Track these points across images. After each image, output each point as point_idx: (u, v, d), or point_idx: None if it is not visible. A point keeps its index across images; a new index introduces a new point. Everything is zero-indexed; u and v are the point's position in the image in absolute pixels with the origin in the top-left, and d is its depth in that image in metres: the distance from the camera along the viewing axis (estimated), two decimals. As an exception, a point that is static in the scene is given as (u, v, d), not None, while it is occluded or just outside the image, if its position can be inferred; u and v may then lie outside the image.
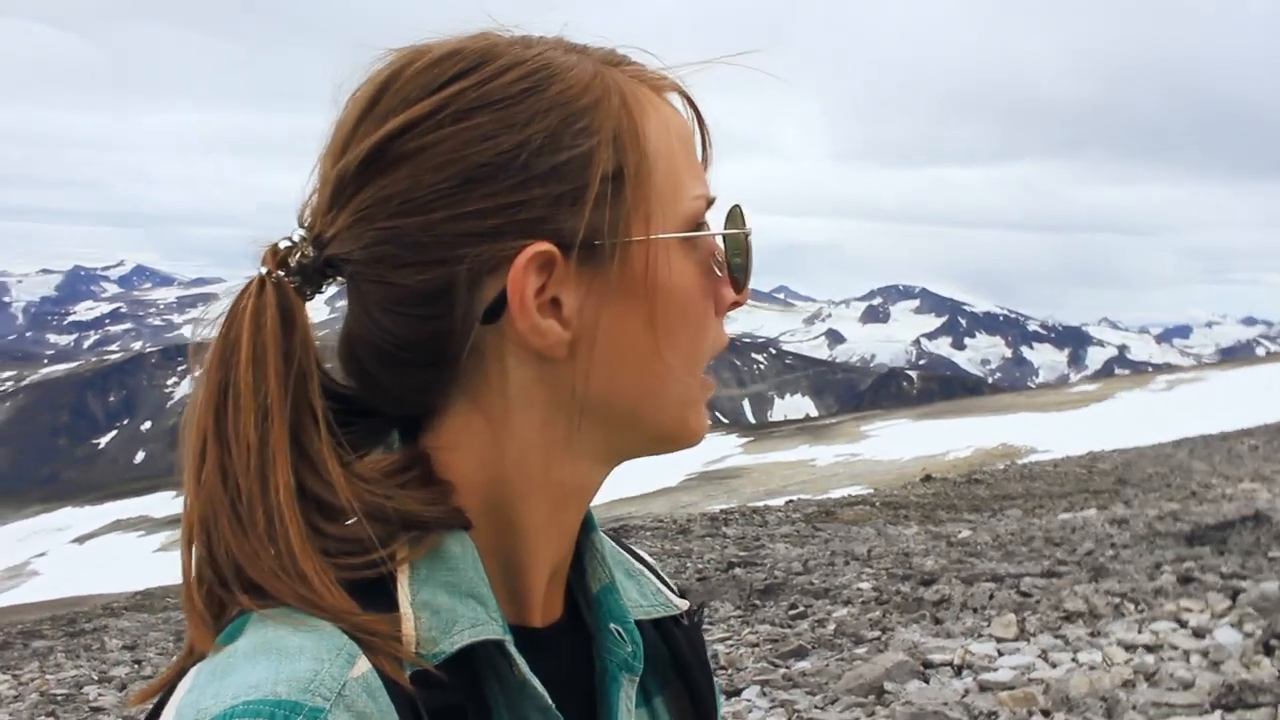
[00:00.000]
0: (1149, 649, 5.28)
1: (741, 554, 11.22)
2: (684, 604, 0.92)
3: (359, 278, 0.77)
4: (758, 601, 8.62)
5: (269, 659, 0.64)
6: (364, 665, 0.66)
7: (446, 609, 0.72)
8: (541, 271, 0.74)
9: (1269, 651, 4.88)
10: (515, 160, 0.73)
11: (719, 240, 0.82)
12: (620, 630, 0.85)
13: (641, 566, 0.93)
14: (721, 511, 17.66)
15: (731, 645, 6.82)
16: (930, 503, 15.73)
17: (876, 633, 6.62)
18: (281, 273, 0.77)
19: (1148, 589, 6.83)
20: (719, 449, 55.29)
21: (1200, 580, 6.86)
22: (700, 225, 0.80)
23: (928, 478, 22.28)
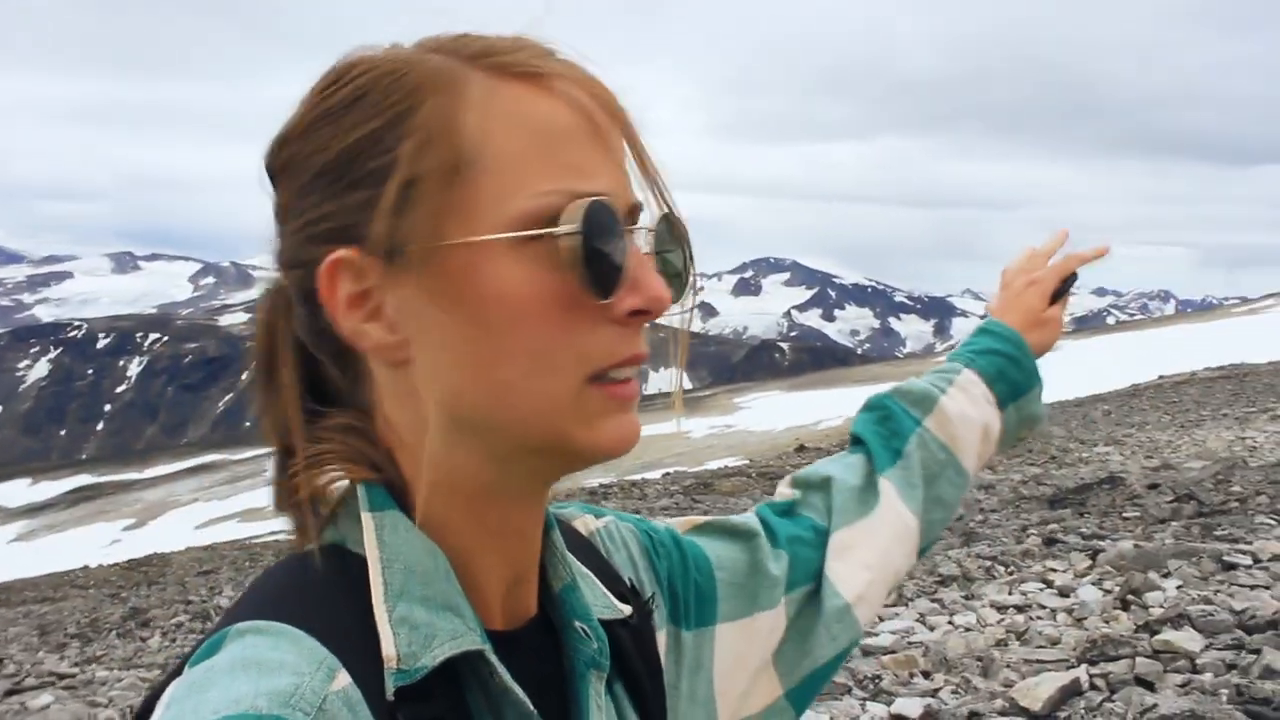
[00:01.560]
0: (1019, 609, 5.51)
1: (623, 528, 11.28)
2: (626, 609, 0.92)
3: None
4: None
5: (249, 673, 0.64)
6: (344, 679, 0.67)
7: (425, 623, 0.72)
8: (357, 277, 0.75)
9: (1125, 607, 5.14)
10: (336, 168, 0.76)
11: (576, 239, 0.74)
12: (585, 628, 0.86)
13: (587, 569, 0.93)
14: (600, 485, 17.75)
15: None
16: (805, 472, 16.04)
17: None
18: None
19: (1016, 552, 7.12)
20: (596, 424, 55.17)
21: (1063, 541, 7.19)
22: (549, 224, 0.73)
23: (801, 448, 22.75)
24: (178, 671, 0.70)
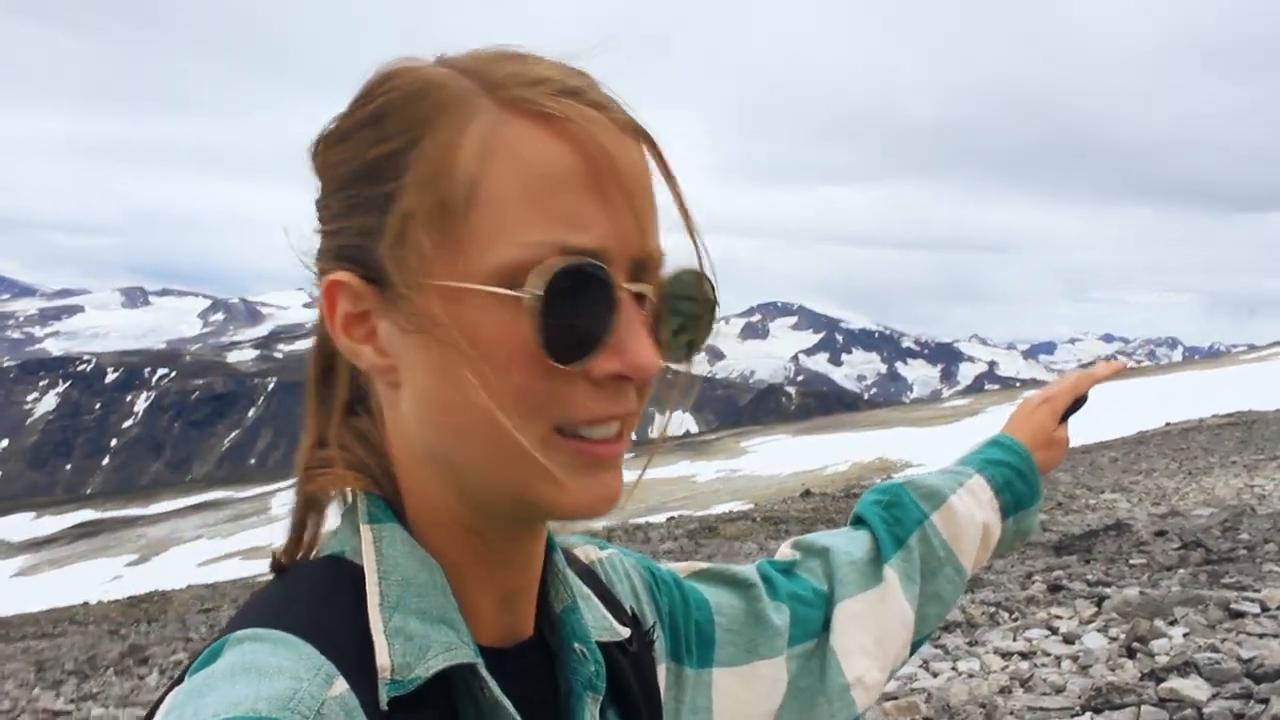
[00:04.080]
0: (1023, 655, 5.45)
1: (626, 569, 11.21)
2: (626, 632, 0.91)
3: None
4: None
5: (248, 678, 0.65)
6: (341, 686, 0.67)
7: (420, 635, 0.73)
8: (355, 299, 0.76)
9: (1131, 654, 5.08)
10: (350, 186, 0.76)
11: (535, 303, 0.71)
12: (584, 650, 0.86)
13: (589, 590, 0.93)
14: (604, 528, 17.68)
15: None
16: (810, 517, 15.99)
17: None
18: None
19: (1020, 598, 7.06)
20: (601, 465, 55.11)
21: (1068, 588, 7.13)
22: (531, 275, 0.70)
23: (807, 493, 22.67)
24: (179, 681, 0.70)
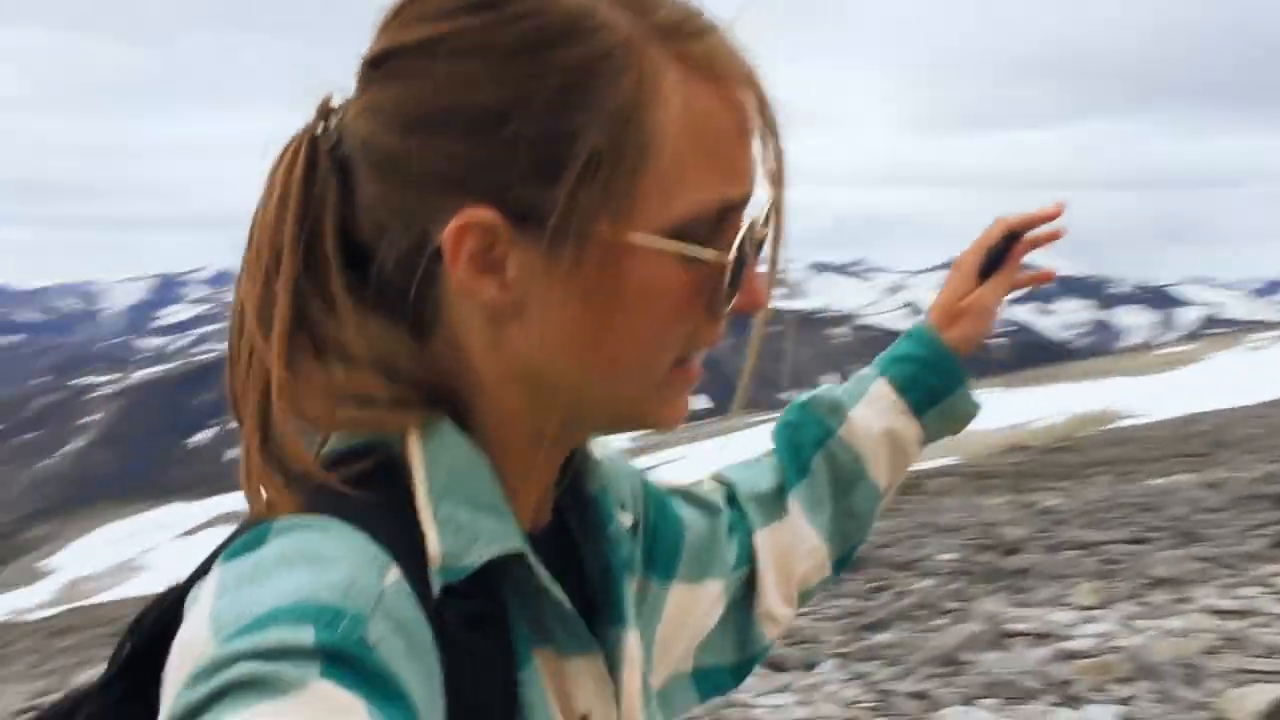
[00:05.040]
0: (1236, 614, 5.18)
1: (823, 530, 11.13)
2: (629, 520, 0.95)
3: (351, 163, 0.78)
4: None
5: (305, 565, 0.64)
6: (395, 574, 0.66)
7: (468, 523, 0.73)
8: (486, 233, 0.72)
9: (1360, 614, 4.76)
10: (493, 116, 0.71)
11: (727, 264, 0.76)
12: (617, 532, 0.89)
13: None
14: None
15: (812, 619, 6.85)
16: (1018, 471, 15.48)
17: (957, 604, 6.58)
18: (322, 126, 0.79)
19: (1237, 553, 6.68)
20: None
21: (1293, 543, 6.70)
22: (704, 227, 0.74)
23: (1017, 446, 21.92)
24: (204, 570, 0.69)
